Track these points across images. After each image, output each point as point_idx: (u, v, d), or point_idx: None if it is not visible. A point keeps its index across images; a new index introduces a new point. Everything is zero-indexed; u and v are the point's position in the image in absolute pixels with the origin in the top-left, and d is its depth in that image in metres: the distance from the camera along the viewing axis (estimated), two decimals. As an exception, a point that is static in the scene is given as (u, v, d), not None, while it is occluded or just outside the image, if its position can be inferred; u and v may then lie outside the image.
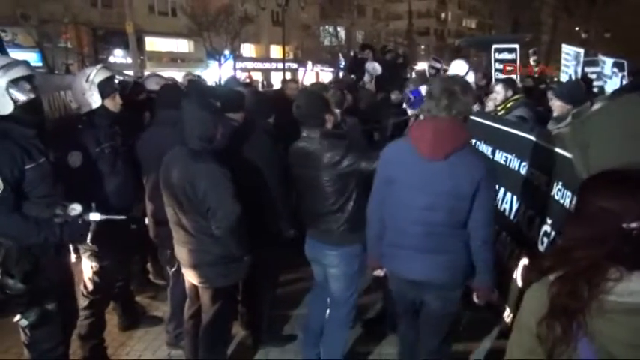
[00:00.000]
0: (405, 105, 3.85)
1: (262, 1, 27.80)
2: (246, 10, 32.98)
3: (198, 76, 8.67)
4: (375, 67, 6.85)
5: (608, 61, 5.12)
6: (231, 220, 2.62)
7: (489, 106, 5.23)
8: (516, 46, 6.22)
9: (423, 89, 3.57)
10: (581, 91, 3.92)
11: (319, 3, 37.02)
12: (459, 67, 5.69)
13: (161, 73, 6.09)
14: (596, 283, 1.23)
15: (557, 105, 3.72)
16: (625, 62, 5.06)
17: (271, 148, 3.29)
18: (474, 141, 4.39)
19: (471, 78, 5.50)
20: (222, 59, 30.31)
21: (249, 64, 35.28)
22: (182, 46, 33.67)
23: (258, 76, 31.57)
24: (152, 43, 31.11)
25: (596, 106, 3.16)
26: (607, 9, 33.73)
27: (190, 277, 2.98)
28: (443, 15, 65.06)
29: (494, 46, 6.42)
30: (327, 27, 38.51)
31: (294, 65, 35.18)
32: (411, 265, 2.47)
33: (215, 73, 27.93)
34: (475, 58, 22.11)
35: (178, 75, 8.60)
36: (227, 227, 2.64)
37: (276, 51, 36.37)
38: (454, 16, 66.36)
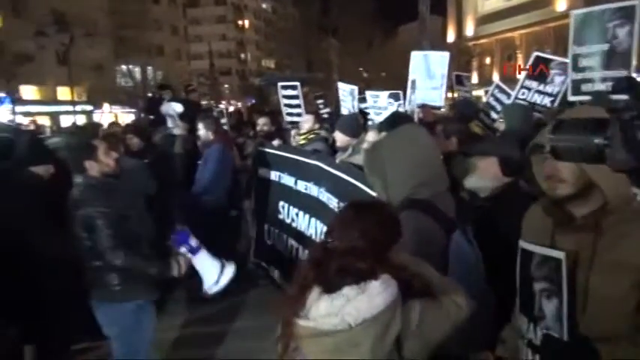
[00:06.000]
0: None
1: (40, 39, 24.56)
2: (23, 49, 28.92)
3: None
4: (169, 108, 6.05)
5: (383, 94, 5.77)
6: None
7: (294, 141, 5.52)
8: (297, 83, 6.53)
9: None
10: (358, 123, 4.41)
11: (110, 41, 34.84)
12: None
13: None
14: (300, 306, 1.31)
15: (339, 137, 4.07)
16: (400, 92, 5.75)
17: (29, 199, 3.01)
18: (278, 173, 4.62)
19: None
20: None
21: (34, 108, 31.07)
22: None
23: (46, 121, 27.94)
24: None
25: (369, 135, 3.55)
26: (381, 52, 39.71)
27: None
28: (242, 56, 67.61)
29: (280, 84, 6.69)
30: (121, 66, 36.48)
31: (88, 107, 32.23)
32: None
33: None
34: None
35: None
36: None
37: (64, 92, 32.84)
38: (253, 56, 69.50)
